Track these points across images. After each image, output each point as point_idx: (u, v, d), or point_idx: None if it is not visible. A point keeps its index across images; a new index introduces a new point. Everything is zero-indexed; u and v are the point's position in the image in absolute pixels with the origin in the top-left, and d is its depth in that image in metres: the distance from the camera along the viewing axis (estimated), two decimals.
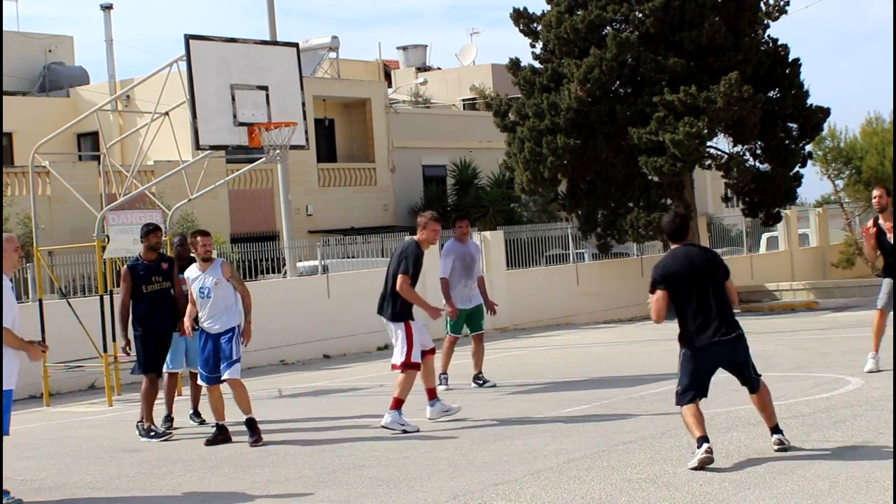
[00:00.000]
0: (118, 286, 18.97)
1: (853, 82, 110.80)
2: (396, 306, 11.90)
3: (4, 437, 8.93)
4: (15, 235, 13.55)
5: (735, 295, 9.40)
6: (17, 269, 9.91)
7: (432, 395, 12.25)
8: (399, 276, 11.85)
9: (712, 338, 9.09)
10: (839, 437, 9.70)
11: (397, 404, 11.67)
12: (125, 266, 13.15)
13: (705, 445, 8.79)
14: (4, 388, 9.07)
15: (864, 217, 36.52)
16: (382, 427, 11.63)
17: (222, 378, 11.53)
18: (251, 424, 11.47)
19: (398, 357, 11.87)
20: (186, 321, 11.95)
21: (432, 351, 12.29)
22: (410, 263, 11.87)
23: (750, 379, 9.31)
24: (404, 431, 11.52)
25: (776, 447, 9.20)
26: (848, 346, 16.97)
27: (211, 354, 11.60)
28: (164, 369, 12.85)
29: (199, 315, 11.73)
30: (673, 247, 9.40)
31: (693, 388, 9.12)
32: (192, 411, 13.21)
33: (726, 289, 9.26)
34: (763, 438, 9.78)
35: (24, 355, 9.33)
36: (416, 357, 11.82)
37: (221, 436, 11.65)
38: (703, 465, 8.74)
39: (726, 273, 9.34)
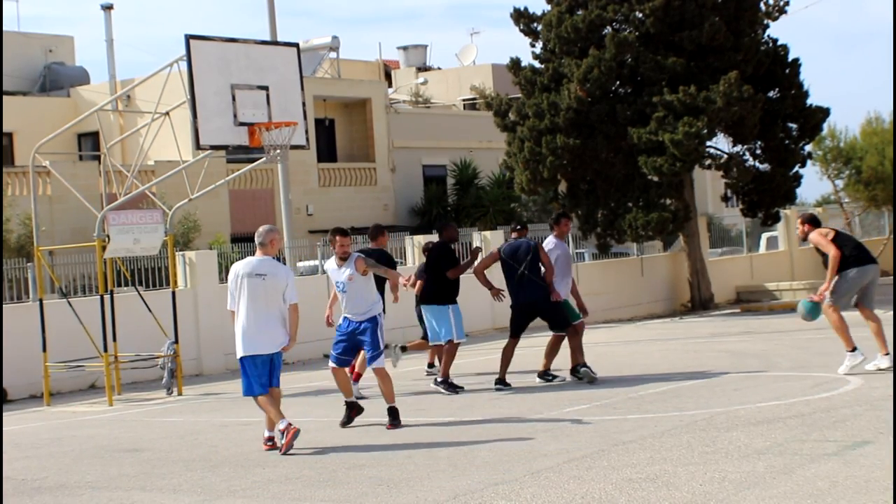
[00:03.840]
0: (118, 286, 19.01)
1: (853, 82, 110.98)
2: None
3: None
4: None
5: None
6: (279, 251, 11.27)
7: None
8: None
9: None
10: (839, 437, 9.70)
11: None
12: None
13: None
14: None
15: (864, 217, 36.55)
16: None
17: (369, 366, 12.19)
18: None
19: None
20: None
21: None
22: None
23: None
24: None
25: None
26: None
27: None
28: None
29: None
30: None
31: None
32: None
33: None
34: (763, 438, 9.79)
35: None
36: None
37: (355, 411, 12.27)
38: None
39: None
